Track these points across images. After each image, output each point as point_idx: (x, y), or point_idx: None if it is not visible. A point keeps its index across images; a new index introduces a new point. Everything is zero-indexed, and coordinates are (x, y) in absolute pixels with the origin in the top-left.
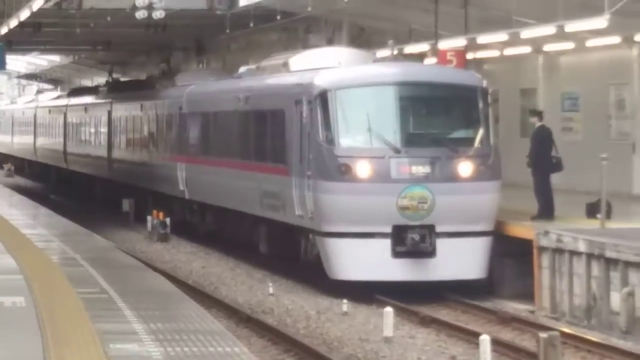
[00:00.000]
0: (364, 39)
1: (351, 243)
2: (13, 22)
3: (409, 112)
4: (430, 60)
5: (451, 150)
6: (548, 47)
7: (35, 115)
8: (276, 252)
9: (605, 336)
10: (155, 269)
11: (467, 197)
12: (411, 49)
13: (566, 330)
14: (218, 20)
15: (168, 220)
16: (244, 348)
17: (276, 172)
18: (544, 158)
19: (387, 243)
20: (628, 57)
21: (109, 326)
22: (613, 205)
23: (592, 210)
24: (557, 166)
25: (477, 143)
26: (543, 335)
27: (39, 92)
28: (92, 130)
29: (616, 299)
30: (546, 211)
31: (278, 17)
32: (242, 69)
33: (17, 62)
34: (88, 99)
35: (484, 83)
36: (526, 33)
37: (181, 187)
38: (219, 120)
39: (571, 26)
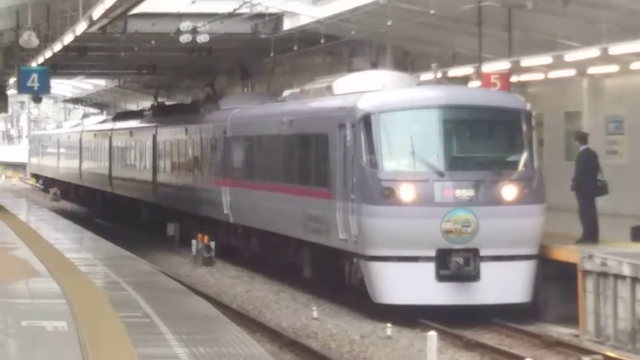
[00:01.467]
0: (407, 62)
1: (395, 267)
2: (57, 46)
3: (452, 135)
4: (474, 84)
5: (495, 174)
6: (592, 70)
7: (80, 140)
8: (320, 276)
9: None
10: (199, 293)
11: (511, 221)
12: (455, 72)
13: (611, 354)
14: (262, 44)
15: (213, 244)
16: None
17: (320, 196)
18: (588, 181)
19: (431, 267)
20: None
21: (151, 350)
22: None
23: (637, 234)
24: (602, 190)
25: (521, 166)
26: (587, 359)
27: (85, 116)
28: (137, 154)
29: None
30: (591, 235)
31: (322, 41)
32: (286, 93)
33: (62, 86)
34: (133, 123)
35: (528, 106)
36: (570, 56)
37: (225, 211)
38: (263, 143)
39: (615, 49)
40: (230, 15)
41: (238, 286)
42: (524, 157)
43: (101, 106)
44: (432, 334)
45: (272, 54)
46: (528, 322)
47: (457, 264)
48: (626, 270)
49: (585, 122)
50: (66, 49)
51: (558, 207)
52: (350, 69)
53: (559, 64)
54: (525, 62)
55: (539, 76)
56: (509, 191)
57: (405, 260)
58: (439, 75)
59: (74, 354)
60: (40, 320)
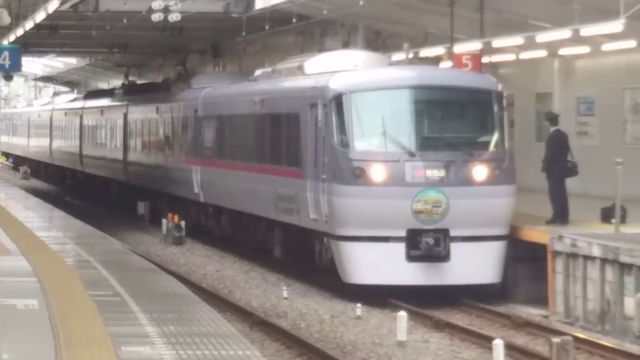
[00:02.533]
0: (379, 42)
1: (365, 247)
2: (29, 24)
3: (424, 115)
4: (446, 64)
5: (466, 154)
6: (563, 51)
7: (51, 118)
8: (290, 256)
9: (619, 341)
10: (170, 272)
11: (481, 201)
12: (427, 52)
13: (580, 335)
14: (234, 23)
15: (183, 223)
16: (257, 352)
17: (291, 176)
18: (559, 162)
19: (401, 247)
20: None
21: (121, 329)
22: (628, 209)
23: (606, 215)
24: (572, 171)
25: (492, 147)
26: (556, 340)
27: (55, 94)
28: (108, 133)
29: (630, 304)
30: (561, 216)
31: (294, 20)
32: (257, 72)
33: (33, 65)
34: (104, 102)
35: (499, 87)
36: (542, 37)
37: (196, 190)
38: (234, 123)
39: (587, 30)
40: None
41: (208, 265)
42: (495, 137)
43: (72, 85)
44: (402, 314)
45: (243, 34)
46: (498, 303)
47: (427, 244)
48: (596, 251)
49: (556, 103)
50: (38, 26)
51: (529, 188)
52: (321, 49)
53: (530, 44)
54: (497, 42)
55: (510, 57)
56: (480, 172)
57: (376, 241)
58: (411, 55)
59: (45, 331)
60: (11, 299)
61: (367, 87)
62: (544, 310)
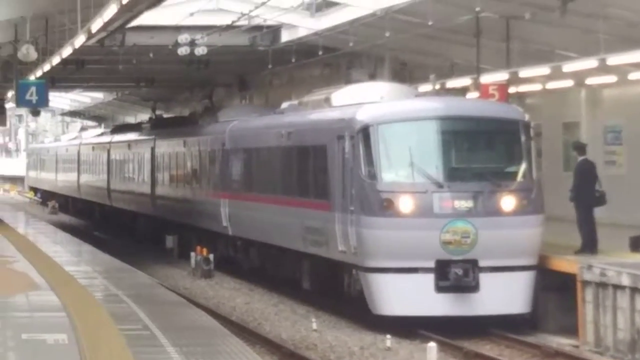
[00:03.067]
0: (405, 73)
1: (394, 278)
2: (55, 60)
3: (451, 146)
4: (473, 95)
5: (494, 185)
6: (590, 81)
7: (78, 152)
8: (319, 288)
9: None
10: (199, 305)
11: (510, 232)
12: (453, 83)
13: None
14: (260, 56)
15: (212, 256)
16: None
17: (319, 208)
18: (587, 192)
19: (430, 278)
20: None
21: None
22: None
23: (635, 244)
24: (601, 200)
25: (519, 177)
26: None
27: (83, 129)
28: (136, 166)
29: None
30: (589, 245)
31: (320, 53)
32: (284, 105)
33: (60, 100)
34: (131, 136)
35: (526, 117)
36: (568, 67)
37: (224, 224)
38: (261, 156)
39: (613, 60)
40: (228, 28)
41: (237, 298)
42: (522, 167)
43: (99, 119)
44: (432, 345)
45: (270, 66)
46: (527, 333)
47: (456, 274)
48: (625, 281)
49: (583, 132)
50: (64, 62)
51: (557, 218)
52: (348, 81)
53: (557, 74)
54: (523, 72)
55: (537, 87)
56: (508, 202)
57: (405, 272)
58: (437, 86)
59: None
60: (41, 334)
61: (394, 118)
62: (574, 340)
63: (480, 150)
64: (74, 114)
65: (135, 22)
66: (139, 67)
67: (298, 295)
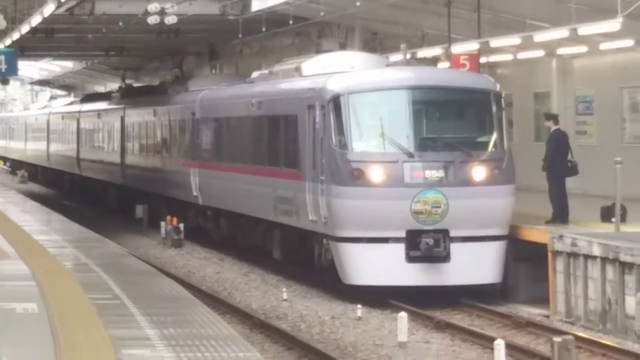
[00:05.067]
0: (376, 43)
1: (365, 248)
2: (25, 28)
3: (422, 116)
4: (444, 64)
5: (465, 155)
6: (561, 51)
7: (48, 122)
8: (290, 258)
9: (620, 340)
10: (169, 275)
11: (481, 202)
12: (424, 53)
13: (581, 334)
14: (230, 25)
15: (182, 226)
16: (258, 353)
17: (289, 177)
18: (559, 162)
19: (401, 248)
20: None
21: (121, 332)
22: (628, 208)
23: (606, 214)
24: (573, 170)
25: (490, 147)
26: (557, 339)
27: (52, 98)
28: (105, 136)
29: (631, 303)
30: (561, 215)
31: (291, 22)
32: (254, 74)
33: (30, 68)
34: (101, 105)
35: (498, 87)
36: (539, 36)
37: (194, 193)
38: (232, 125)
39: (584, 29)
40: None
41: (207, 268)
42: (493, 137)
43: (69, 88)
44: (403, 314)
45: (240, 36)
46: (498, 303)
47: (427, 244)
48: (596, 251)
49: (554, 102)
50: (33, 30)
51: (528, 188)
52: (318, 50)
53: (528, 44)
54: (494, 42)
55: (508, 57)
56: (479, 172)
57: (375, 242)
58: (408, 56)
59: (44, 335)
60: (10, 302)
61: (364, 88)
62: (545, 310)
63: (451, 120)
64: (43, 83)
65: None
66: (109, 36)
67: (268, 265)
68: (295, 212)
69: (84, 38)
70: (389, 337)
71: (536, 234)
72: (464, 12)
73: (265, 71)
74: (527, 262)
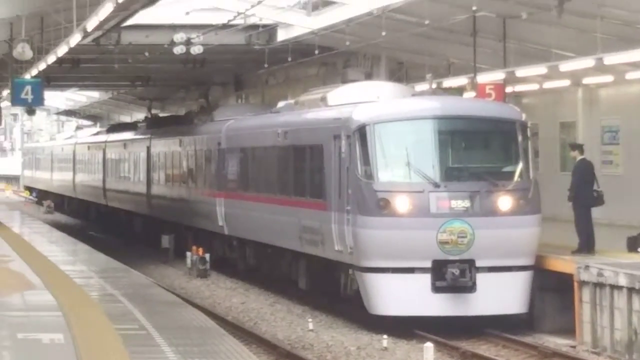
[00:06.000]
0: (402, 72)
1: (391, 278)
2: (51, 58)
3: (448, 146)
4: (469, 94)
5: (491, 184)
6: (587, 80)
7: (74, 152)
8: (316, 288)
9: None
10: (195, 305)
11: (507, 231)
12: (450, 82)
13: None
14: (256, 55)
15: (207, 256)
16: None
17: (315, 207)
18: (585, 192)
19: (427, 278)
20: None
21: None
22: None
23: (633, 244)
24: (598, 200)
25: (516, 177)
26: None
27: (78, 128)
28: (131, 166)
29: None
30: (587, 245)
31: (316, 52)
32: (280, 104)
33: (56, 99)
34: (127, 135)
35: (523, 116)
36: (565, 66)
37: (220, 223)
38: (257, 155)
39: (610, 59)
40: (224, 27)
41: (233, 298)
42: (519, 167)
43: (95, 118)
44: (429, 345)
45: (266, 65)
46: (525, 333)
47: (453, 274)
48: (622, 281)
49: (580, 132)
50: (60, 61)
51: (554, 218)
52: (344, 80)
53: (553, 74)
54: (520, 72)
55: (533, 86)
56: (505, 202)
57: (401, 272)
58: (434, 85)
59: None
60: (37, 333)
61: (390, 118)
62: (571, 340)
63: (477, 150)
64: (69, 113)
65: (130, 21)
66: (135, 66)
67: (294, 295)
68: (321, 242)
69: (110, 68)
70: None
71: (562, 264)
72: (489, 41)
73: (291, 101)
74: (553, 292)
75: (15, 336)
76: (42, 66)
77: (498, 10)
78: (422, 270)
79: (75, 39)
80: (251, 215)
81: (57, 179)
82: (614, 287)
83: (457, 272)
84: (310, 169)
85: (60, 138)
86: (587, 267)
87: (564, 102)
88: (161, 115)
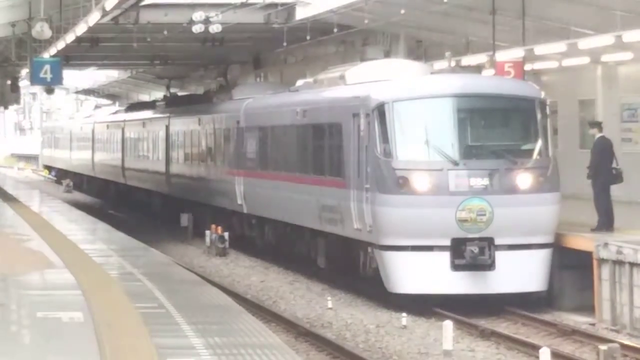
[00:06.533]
0: (421, 51)
1: (410, 256)
2: (70, 37)
3: (466, 124)
4: (488, 72)
5: (510, 162)
6: (606, 58)
7: (93, 131)
8: (335, 266)
9: None
10: (214, 284)
11: (526, 209)
12: (468, 60)
13: (627, 342)
14: (275, 33)
15: (226, 234)
16: None
17: (334, 186)
18: (604, 169)
19: (446, 256)
20: None
21: (167, 341)
22: None
23: None
24: (618, 178)
25: (535, 155)
26: (603, 347)
27: (97, 107)
28: (150, 145)
29: None
30: (606, 223)
31: (335, 30)
32: (299, 83)
33: (75, 78)
34: (146, 114)
35: (542, 94)
36: (584, 43)
37: (239, 202)
38: (276, 133)
39: (629, 36)
40: (243, 5)
41: (252, 276)
42: (538, 145)
43: (113, 97)
44: (448, 323)
45: (284, 44)
46: (544, 311)
47: (472, 252)
48: None
49: (599, 109)
50: (79, 40)
51: (573, 195)
52: (363, 58)
53: (572, 51)
54: (539, 50)
55: (552, 64)
56: (524, 179)
57: (420, 250)
58: (453, 63)
59: (90, 344)
60: (56, 312)
61: (409, 96)
62: (590, 318)
63: (496, 128)
64: (88, 92)
65: (149, 0)
66: (153, 45)
67: (313, 273)
68: (340, 220)
69: (128, 47)
70: (434, 345)
71: (581, 241)
72: (508, 19)
73: (310, 79)
74: (572, 270)
75: (34, 315)
76: (60, 45)
77: None
78: (441, 248)
79: (94, 17)
80: (270, 194)
81: (76, 158)
82: (634, 264)
83: (476, 250)
84: (329, 148)
85: (79, 117)
86: (606, 244)
87: (583, 79)
88: (180, 94)
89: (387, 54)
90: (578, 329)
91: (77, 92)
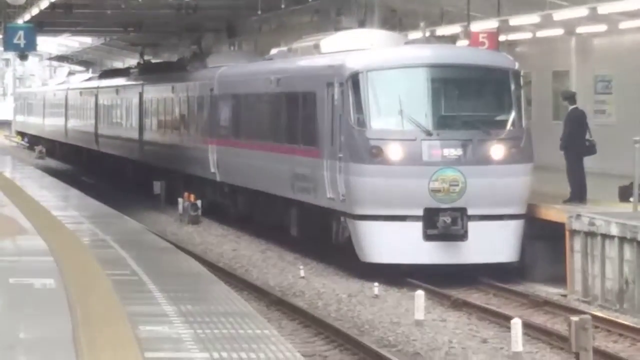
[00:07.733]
0: (395, 21)
1: (382, 226)
2: (43, 3)
3: (440, 94)
4: (462, 43)
5: (483, 133)
6: (581, 30)
7: (66, 97)
8: (307, 235)
9: (638, 320)
10: (186, 252)
11: (499, 180)
12: (443, 31)
13: (598, 314)
14: (249, 1)
15: (199, 202)
16: (275, 330)
17: (307, 155)
18: (577, 141)
19: (418, 226)
20: None
21: (139, 308)
22: None
23: (624, 194)
24: (591, 149)
25: (509, 125)
26: (574, 318)
27: (71, 74)
28: (124, 112)
29: None
30: (578, 194)
31: None
32: (273, 51)
33: (48, 44)
34: (119, 81)
35: (516, 65)
36: (559, 15)
37: (212, 170)
38: (250, 102)
39: (604, 8)
40: None
41: (225, 245)
42: (512, 116)
43: (87, 64)
44: (420, 293)
45: (259, 12)
46: (516, 282)
47: (444, 223)
48: (614, 230)
49: (573, 81)
50: (52, 6)
51: (546, 166)
52: (337, 28)
53: (547, 23)
54: (514, 21)
55: (527, 35)
56: (497, 150)
57: (393, 220)
58: (427, 34)
59: (62, 311)
60: (28, 278)
61: (383, 65)
62: (562, 289)
63: (470, 99)
64: (61, 58)
65: None
66: (127, 12)
67: (286, 242)
68: (313, 189)
69: (102, 14)
70: (405, 315)
71: (554, 213)
72: None
73: (284, 48)
74: (544, 241)
75: (7, 281)
76: (34, 11)
77: None
78: (414, 218)
79: None
80: (243, 162)
81: (49, 125)
82: (606, 236)
83: (448, 220)
84: (303, 117)
85: (52, 83)
86: (578, 216)
87: (557, 51)
88: (154, 61)
89: (362, 24)
90: (550, 300)
91: (51, 59)
